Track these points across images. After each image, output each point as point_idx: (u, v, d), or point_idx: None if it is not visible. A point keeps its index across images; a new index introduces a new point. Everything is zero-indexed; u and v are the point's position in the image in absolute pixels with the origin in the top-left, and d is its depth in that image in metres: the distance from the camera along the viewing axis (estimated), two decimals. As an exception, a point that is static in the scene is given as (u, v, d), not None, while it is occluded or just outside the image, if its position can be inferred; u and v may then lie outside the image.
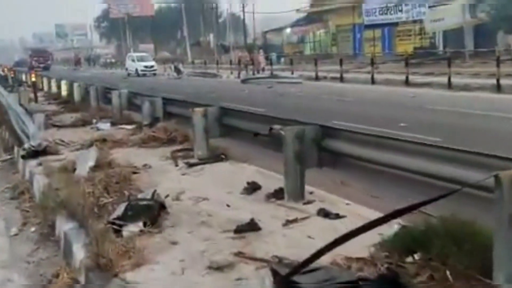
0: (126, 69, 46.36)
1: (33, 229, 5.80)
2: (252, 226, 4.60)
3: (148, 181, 6.52)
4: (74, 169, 7.08)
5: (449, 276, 3.28)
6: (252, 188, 5.91)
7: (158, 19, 78.28)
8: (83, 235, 4.74)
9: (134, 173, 6.84)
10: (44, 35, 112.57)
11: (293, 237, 4.41)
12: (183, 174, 6.99)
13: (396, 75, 25.70)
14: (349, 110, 15.19)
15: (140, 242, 4.33)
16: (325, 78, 29.09)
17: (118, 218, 4.73)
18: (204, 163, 7.39)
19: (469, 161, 3.97)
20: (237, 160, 7.54)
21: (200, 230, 4.69)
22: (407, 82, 23.46)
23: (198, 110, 7.89)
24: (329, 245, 3.07)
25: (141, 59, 46.16)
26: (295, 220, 4.80)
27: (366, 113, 14.00)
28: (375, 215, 4.77)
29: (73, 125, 12.35)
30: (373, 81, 25.48)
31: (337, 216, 4.88)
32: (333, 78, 28.36)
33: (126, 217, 4.72)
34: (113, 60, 70.66)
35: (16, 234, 5.80)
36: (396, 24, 39.46)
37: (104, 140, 9.29)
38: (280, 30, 55.84)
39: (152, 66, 45.06)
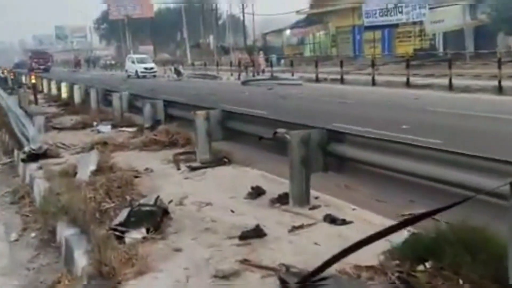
0: (126, 71, 46.38)
1: (33, 234, 5.70)
2: (257, 233, 4.51)
3: (150, 185, 6.43)
4: (75, 173, 7.00)
5: (463, 286, 3.19)
6: (257, 192, 5.82)
7: (158, 20, 78.16)
8: (85, 241, 4.65)
9: (136, 177, 6.75)
10: (44, 37, 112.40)
11: (299, 244, 4.32)
12: (186, 178, 6.90)
13: (397, 77, 25.64)
14: (350, 112, 15.11)
15: (143, 249, 4.24)
16: (325, 79, 29.01)
17: (121, 224, 4.63)
18: (206, 167, 7.30)
19: (478, 166, 3.88)
20: (240, 164, 7.45)
21: (204, 237, 4.60)
22: (408, 84, 23.41)
23: (200, 113, 7.80)
24: (341, 253, 2.99)
25: (141, 61, 46.21)
26: (301, 226, 4.71)
27: (368, 115, 13.93)
28: (382, 220, 4.71)
29: (74, 127, 12.26)
30: (373, 83, 25.42)
31: (344, 222, 4.79)
32: (334, 80, 28.29)
33: (129, 223, 4.63)
34: (112, 62, 70.74)
35: (16, 240, 5.72)
36: (396, 25, 39.34)
37: (105, 143, 9.19)
38: (280, 31, 55.74)
39: (152, 68, 45.09)
